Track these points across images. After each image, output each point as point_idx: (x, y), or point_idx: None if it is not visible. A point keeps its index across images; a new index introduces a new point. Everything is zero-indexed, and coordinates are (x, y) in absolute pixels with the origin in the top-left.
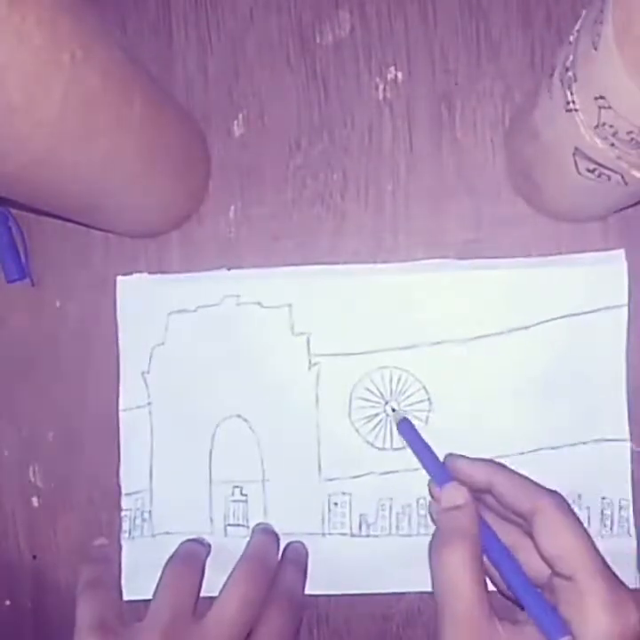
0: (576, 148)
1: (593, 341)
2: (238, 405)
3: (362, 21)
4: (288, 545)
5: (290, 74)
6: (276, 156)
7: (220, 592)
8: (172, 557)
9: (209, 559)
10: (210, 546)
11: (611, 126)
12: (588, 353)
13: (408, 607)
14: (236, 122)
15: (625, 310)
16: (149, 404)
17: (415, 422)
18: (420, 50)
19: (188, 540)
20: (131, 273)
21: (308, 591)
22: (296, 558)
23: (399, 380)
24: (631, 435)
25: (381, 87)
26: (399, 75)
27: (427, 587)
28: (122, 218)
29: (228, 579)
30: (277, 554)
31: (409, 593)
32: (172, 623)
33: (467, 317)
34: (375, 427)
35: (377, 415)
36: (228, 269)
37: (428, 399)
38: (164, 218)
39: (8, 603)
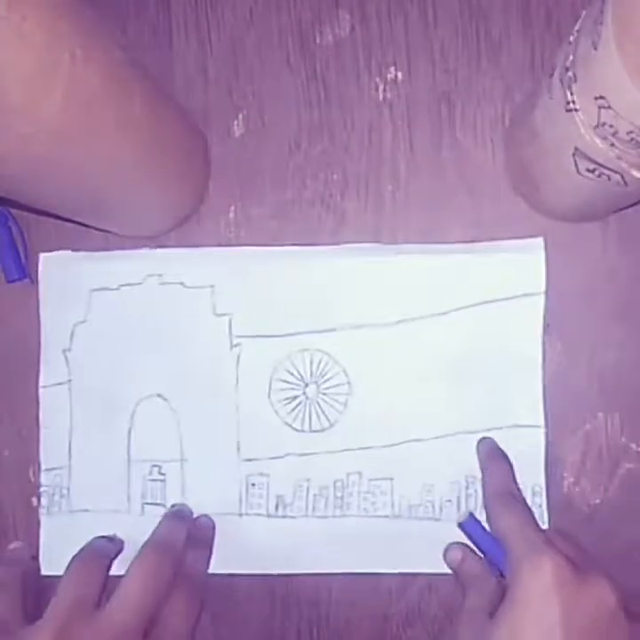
0: (576, 148)
1: (510, 328)
2: (159, 385)
3: (362, 21)
4: (194, 520)
5: (290, 74)
6: (276, 156)
7: (122, 579)
8: (78, 554)
9: (125, 538)
10: (122, 542)
11: (611, 126)
12: (505, 339)
13: (408, 607)
14: (235, 122)
15: (542, 298)
16: (69, 381)
17: (335, 405)
18: (420, 50)
19: (99, 538)
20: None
21: (224, 570)
22: (201, 536)
23: (320, 362)
24: (546, 422)
25: (381, 87)
26: (399, 75)
27: (340, 567)
28: (122, 218)
29: (131, 565)
30: (185, 536)
31: (409, 593)
32: (67, 621)
33: (387, 302)
34: (294, 408)
35: (296, 397)
36: (152, 248)
37: (348, 382)
38: (164, 218)
39: None
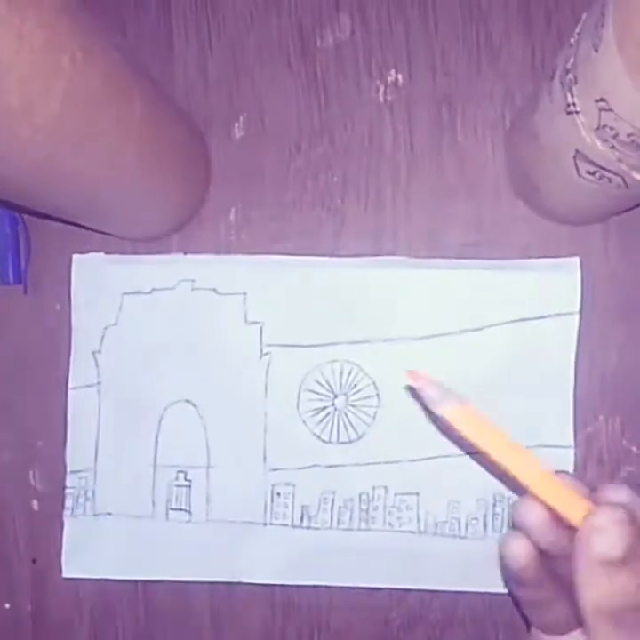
0: (577, 151)
1: (543, 347)
2: (187, 390)
3: (362, 24)
4: None
5: (290, 76)
6: (277, 158)
7: None
8: None
9: (149, 542)
10: None
11: (611, 128)
12: (537, 358)
13: (409, 611)
14: (236, 124)
15: (576, 318)
16: (99, 383)
17: (363, 417)
18: (421, 52)
19: None
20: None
21: (247, 580)
22: None
23: (349, 373)
24: (575, 442)
25: (382, 90)
26: (399, 77)
27: (364, 582)
28: (122, 220)
29: None
30: None
31: (410, 597)
32: None
33: (419, 315)
34: (323, 419)
35: (325, 408)
36: (185, 253)
37: (377, 395)
38: (165, 220)
39: (8, 606)
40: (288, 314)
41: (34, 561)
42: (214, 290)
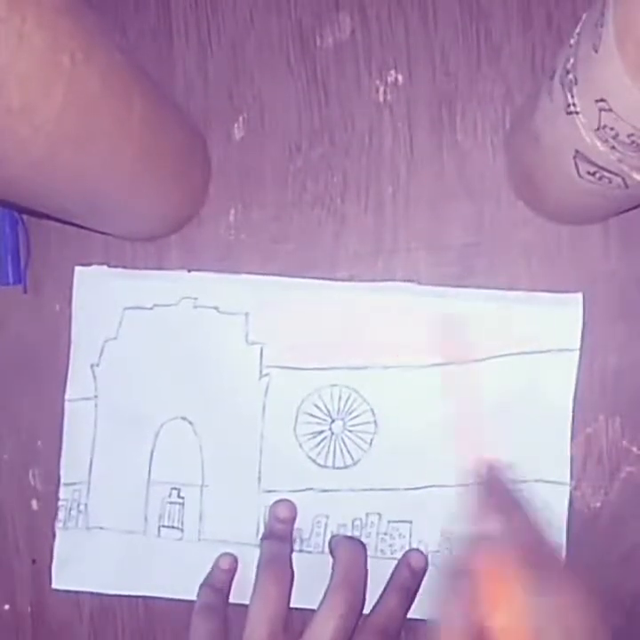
0: (577, 151)
1: (542, 382)
2: (184, 408)
3: (362, 24)
4: (406, 554)
5: (290, 76)
6: (277, 158)
7: (315, 615)
8: (260, 562)
9: (139, 559)
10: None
11: (611, 129)
12: (536, 393)
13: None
14: (236, 124)
15: (576, 354)
16: (96, 396)
17: (360, 443)
18: (421, 52)
19: (271, 539)
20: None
21: (242, 601)
22: (406, 584)
23: (348, 399)
24: (571, 478)
25: (382, 90)
26: (399, 77)
27: None
28: (121, 220)
29: (323, 602)
30: (365, 564)
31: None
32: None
33: (420, 344)
34: (319, 443)
35: (322, 432)
36: (189, 271)
37: (374, 421)
38: (164, 221)
39: (7, 607)
40: (289, 336)
41: (34, 561)
42: (216, 308)
